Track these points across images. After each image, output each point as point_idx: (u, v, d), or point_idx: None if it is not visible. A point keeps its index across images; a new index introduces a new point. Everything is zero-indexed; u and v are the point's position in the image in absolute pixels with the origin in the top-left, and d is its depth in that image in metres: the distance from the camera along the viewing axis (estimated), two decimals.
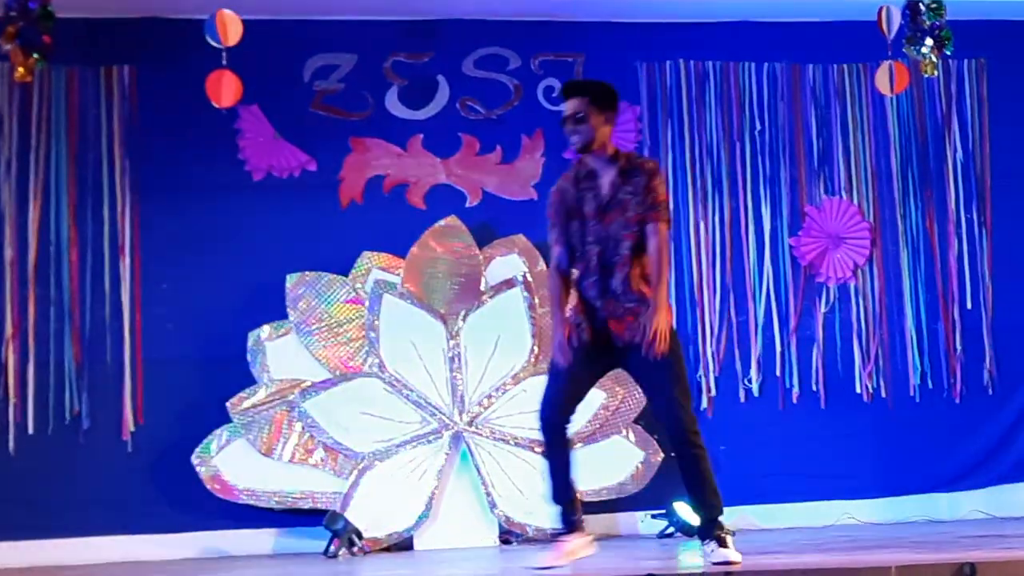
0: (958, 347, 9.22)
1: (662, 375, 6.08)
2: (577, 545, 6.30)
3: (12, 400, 8.38)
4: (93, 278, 8.56)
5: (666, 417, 6.14)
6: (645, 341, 5.98)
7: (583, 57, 9.14)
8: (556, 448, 6.31)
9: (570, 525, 6.32)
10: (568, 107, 6.15)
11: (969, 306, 9.26)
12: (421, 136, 9.00)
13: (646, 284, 6.12)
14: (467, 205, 9.00)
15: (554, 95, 9.08)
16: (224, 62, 7.97)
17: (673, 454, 6.31)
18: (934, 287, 9.25)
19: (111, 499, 8.39)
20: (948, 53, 8.35)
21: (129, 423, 8.50)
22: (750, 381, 9.07)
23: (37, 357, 8.45)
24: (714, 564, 6.01)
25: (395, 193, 8.95)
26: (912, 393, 9.18)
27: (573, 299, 6.28)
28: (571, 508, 6.34)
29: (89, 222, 8.60)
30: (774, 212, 9.21)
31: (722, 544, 6.13)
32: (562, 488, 6.32)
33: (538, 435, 6.38)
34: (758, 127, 9.26)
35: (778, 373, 9.08)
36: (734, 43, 9.27)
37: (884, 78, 8.45)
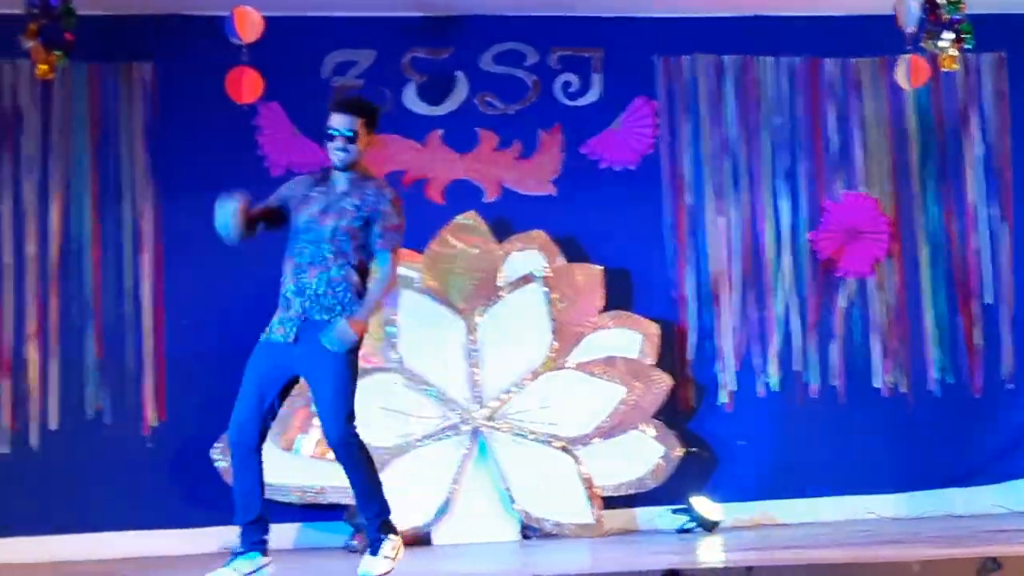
0: (977, 341, 9.21)
1: None
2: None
3: (34, 396, 8.42)
4: (114, 274, 8.60)
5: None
6: None
7: (601, 52, 9.14)
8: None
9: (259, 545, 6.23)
10: (340, 122, 6.10)
11: (988, 300, 9.25)
12: (440, 132, 9.02)
13: None
14: (485, 200, 9.01)
15: (572, 90, 9.10)
16: (244, 59, 7.99)
17: None
18: (953, 282, 9.25)
19: (132, 494, 8.43)
20: (968, 47, 8.33)
21: (150, 418, 8.54)
22: (769, 376, 9.07)
23: (59, 353, 8.49)
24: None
25: (414, 188, 8.96)
26: (931, 388, 9.17)
27: None
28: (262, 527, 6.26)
29: (110, 218, 8.64)
30: (793, 207, 9.21)
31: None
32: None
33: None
34: (776, 121, 9.26)
35: (797, 368, 9.08)
36: (752, 37, 9.26)
37: (903, 72, 8.44)
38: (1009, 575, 5.54)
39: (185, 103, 8.68)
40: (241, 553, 6.18)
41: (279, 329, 6.18)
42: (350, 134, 6.10)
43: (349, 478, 6.22)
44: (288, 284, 6.18)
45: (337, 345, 5.99)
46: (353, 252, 6.10)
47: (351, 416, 6.12)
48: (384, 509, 6.24)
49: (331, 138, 6.12)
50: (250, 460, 6.21)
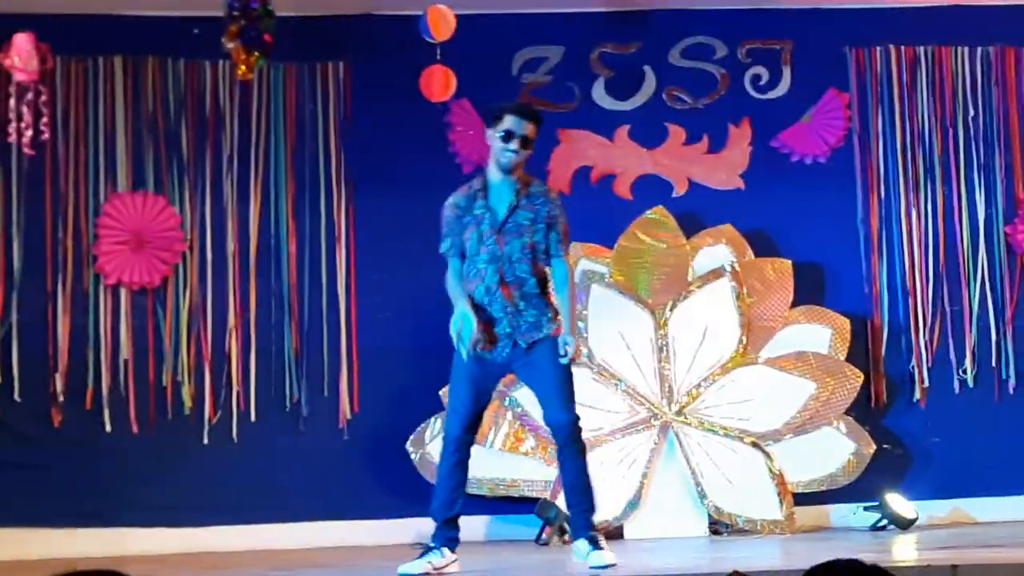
0: None
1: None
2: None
3: (236, 389, 8.64)
4: (311, 269, 8.78)
5: None
6: None
7: (791, 44, 9.07)
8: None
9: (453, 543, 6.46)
10: (518, 125, 6.30)
11: None
12: (628, 127, 9.03)
13: None
14: (674, 195, 9.01)
15: (762, 83, 9.04)
16: (438, 57, 8.09)
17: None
18: None
19: (328, 485, 8.60)
20: None
21: (346, 411, 8.70)
22: (965, 372, 8.91)
23: (258, 347, 8.70)
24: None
25: (602, 184, 9.00)
26: None
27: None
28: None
29: (307, 215, 8.81)
30: (988, 200, 9.02)
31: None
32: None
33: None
34: (971, 113, 9.08)
35: (993, 364, 8.90)
36: (946, 27, 9.09)
37: None
38: None
39: (378, 102, 8.83)
40: (434, 548, 6.37)
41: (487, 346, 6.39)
42: (527, 137, 6.30)
43: (570, 467, 6.40)
44: (489, 307, 6.41)
45: (567, 360, 6.31)
46: (535, 263, 6.38)
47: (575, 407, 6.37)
48: (595, 503, 6.45)
49: (507, 139, 6.30)
50: (462, 459, 6.50)
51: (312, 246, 8.80)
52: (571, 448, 6.39)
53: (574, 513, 6.49)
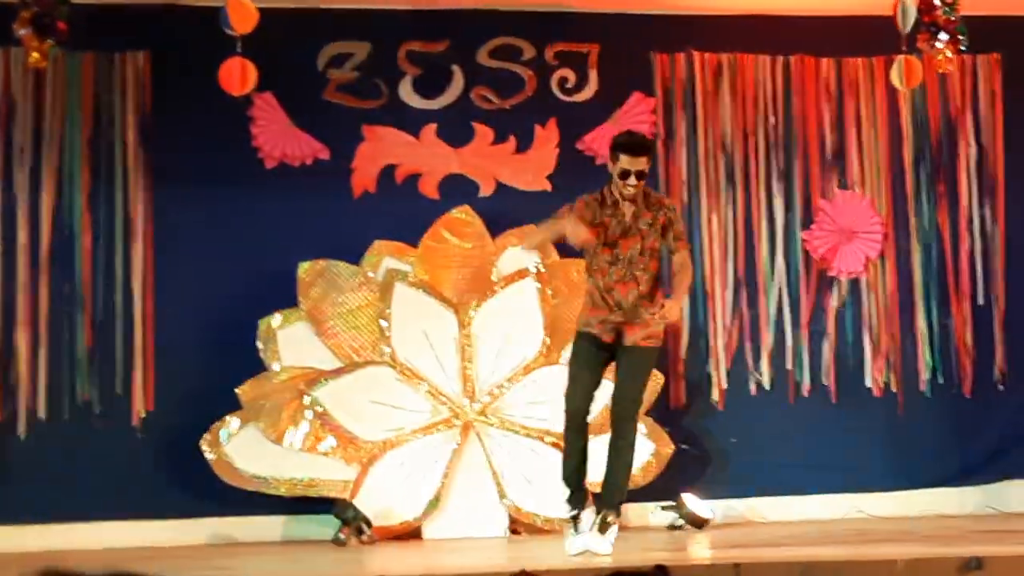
0: (969, 342, 9.20)
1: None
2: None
3: (23, 385, 8.40)
4: (106, 263, 8.58)
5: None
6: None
7: (598, 48, 9.12)
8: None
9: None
10: (637, 164, 6.79)
11: (980, 301, 9.24)
12: (435, 125, 8.99)
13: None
14: (480, 195, 8.99)
15: (568, 85, 9.08)
16: (239, 50, 7.95)
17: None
18: (946, 282, 9.23)
19: (121, 484, 8.40)
20: (963, 48, 8.31)
21: (139, 409, 8.52)
22: (761, 374, 9.06)
23: (49, 343, 8.47)
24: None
25: (408, 182, 8.95)
26: (922, 388, 9.17)
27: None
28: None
29: (102, 208, 8.61)
30: (787, 206, 9.20)
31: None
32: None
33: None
34: (772, 121, 9.24)
35: (789, 367, 9.07)
36: (749, 36, 9.23)
37: (898, 73, 8.41)
38: (990, 574, 5.55)
39: (179, 93, 8.65)
40: (576, 514, 6.88)
41: (598, 326, 6.88)
42: (643, 171, 6.83)
43: (617, 448, 6.89)
44: (607, 297, 6.89)
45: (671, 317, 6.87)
46: (651, 266, 6.90)
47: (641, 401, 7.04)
48: (623, 493, 6.89)
49: (626, 177, 6.80)
50: (584, 430, 6.95)
51: (107, 239, 8.60)
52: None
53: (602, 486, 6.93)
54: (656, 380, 8.59)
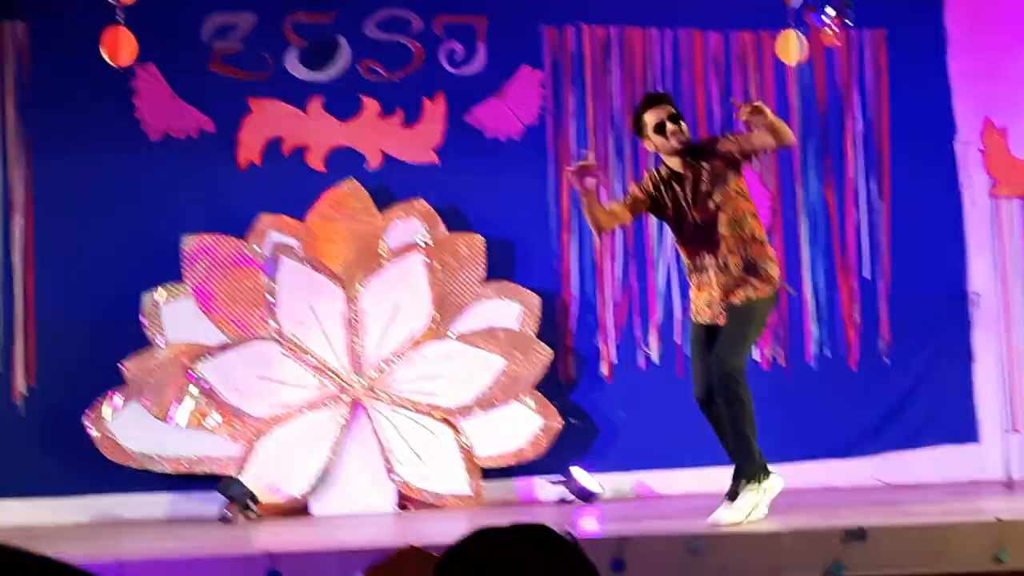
0: (855, 315, 9.30)
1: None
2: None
3: None
4: None
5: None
6: None
7: (485, 20, 9.06)
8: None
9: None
10: (663, 114, 6.51)
11: (866, 275, 9.33)
12: (322, 98, 8.88)
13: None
14: (367, 168, 8.90)
15: (457, 58, 9.02)
16: (120, 18, 7.79)
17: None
18: (832, 256, 9.31)
19: (2, 462, 8.26)
20: (849, 23, 8.38)
21: (21, 385, 8.36)
22: (649, 348, 9.08)
23: None
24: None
25: (295, 155, 8.84)
26: (809, 361, 9.25)
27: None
28: None
29: None
30: None
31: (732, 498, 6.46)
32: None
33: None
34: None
35: (677, 340, 9.09)
36: (638, 8, 9.23)
37: (785, 47, 8.45)
38: (873, 543, 5.62)
39: (59, 63, 8.47)
40: (735, 493, 6.48)
41: (706, 312, 6.56)
42: (674, 114, 6.51)
43: (722, 416, 6.53)
44: (699, 273, 6.57)
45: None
46: (729, 222, 6.45)
47: (737, 365, 6.46)
48: (749, 459, 6.48)
49: (661, 128, 6.46)
50: (715, 409, 6.59)
51: None
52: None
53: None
54: (545, 354, 8.61)
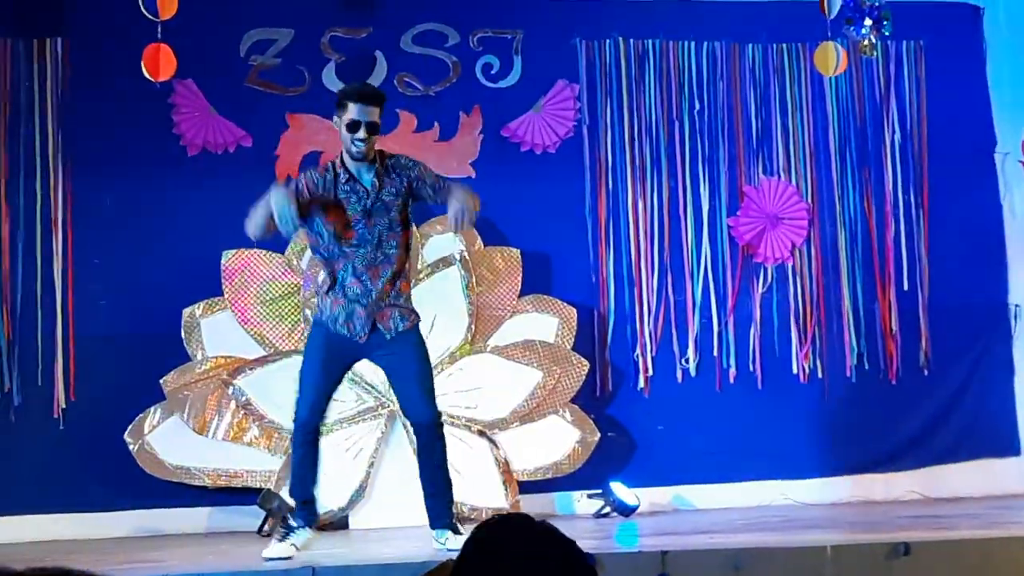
0: (894, 328, 9.25)
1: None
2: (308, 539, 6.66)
3: None
4: (25, 253, 8.42)
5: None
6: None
7: (521, 34, 9.08)
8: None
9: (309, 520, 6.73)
10: (365, 113, 6.38)
11: (905, 287, 9.28)
12: None
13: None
14: None
15: (493, 72, 9.04)
16: (159, 35, 7.84)
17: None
18: (871, 268, 9.28)
19: (42, 477, 8.28)
20: (887, 34, 8.36)
21: (61, 400, 8.38)
22: (687, 361, 9.06)
23: None
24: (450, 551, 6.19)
25: None
26: (848, 374, 9.20)
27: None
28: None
29: (21, 196, 8.44)
30: (712, 192, 9.20)
31: (457, 532, 6.49)
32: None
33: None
34: (697, 106, 9.23)
35: (715, 353, 9.07)
36: (674, 21, 9.23)
37: (823, 58, 8.43)
38: (917, 560, 5.58)
39: (99, 79, 8.52)
40: (296, 528, 6.60)
41: (347, 325, 6.42)
42: (374, 123, 6.35)
43: (432, 462, 6.57)
44: (350, 286, 6.43)
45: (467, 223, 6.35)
46: (401, 239, 6.46)
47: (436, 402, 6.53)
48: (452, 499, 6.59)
49: (353, 128, 6.31)
50: (316, 441, 6.59)
51: (27, 228, 8.44)
52: (436, 443, 6.52)
53: (436, 504, 6.62)
54: (582, 367, 8.60)
